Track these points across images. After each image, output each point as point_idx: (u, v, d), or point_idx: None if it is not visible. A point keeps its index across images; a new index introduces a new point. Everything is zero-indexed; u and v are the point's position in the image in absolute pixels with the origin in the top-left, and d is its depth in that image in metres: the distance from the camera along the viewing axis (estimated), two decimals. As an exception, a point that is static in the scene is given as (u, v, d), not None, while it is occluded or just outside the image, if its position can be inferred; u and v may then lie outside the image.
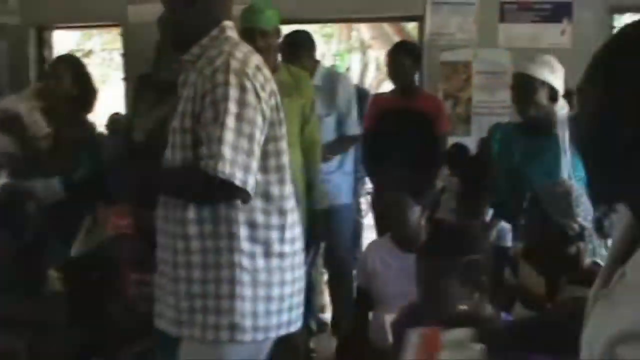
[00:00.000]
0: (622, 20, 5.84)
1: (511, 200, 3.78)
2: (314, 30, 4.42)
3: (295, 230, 2.45)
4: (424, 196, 3.63)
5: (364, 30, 10.30)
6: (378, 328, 3.40)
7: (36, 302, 3.21)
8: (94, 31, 10.81)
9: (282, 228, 2.38)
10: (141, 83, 4.74)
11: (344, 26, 10.93)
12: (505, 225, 4.01)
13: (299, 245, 2.48)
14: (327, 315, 5.01)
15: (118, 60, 10.86)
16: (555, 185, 3.13)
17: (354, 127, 4.49)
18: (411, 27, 7.70)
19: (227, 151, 2.15)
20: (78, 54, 10.19)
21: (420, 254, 2.45)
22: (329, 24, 9.41)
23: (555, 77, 3.64)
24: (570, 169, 3.62)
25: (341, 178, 4.51)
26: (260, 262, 2.33)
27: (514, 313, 2.94)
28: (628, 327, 1.08)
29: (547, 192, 3.04)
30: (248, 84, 2.23)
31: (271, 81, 2.39)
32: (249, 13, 3.87)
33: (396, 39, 8.62)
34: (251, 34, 3.84)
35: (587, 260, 3.00)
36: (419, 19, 5.78)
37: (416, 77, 4.95)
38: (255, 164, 2.22)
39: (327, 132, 4.31)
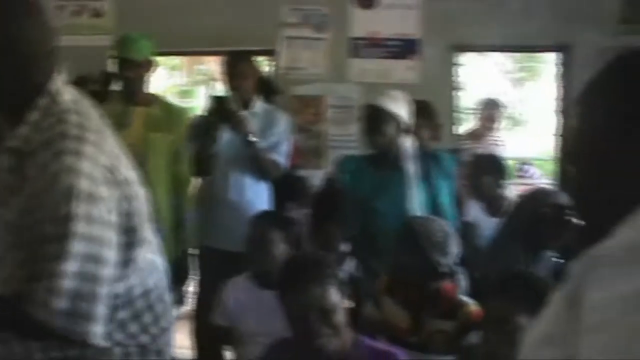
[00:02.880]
0: (464, 58, 6.11)
1: (361, 233, 3.82)
2: (160, 62, 4.32)
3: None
4: (288, 231, 3.58)
5: (212, 64, 10.26)
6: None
7: None
8: None
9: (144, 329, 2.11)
10: None
11: (191, 59, 10.86)
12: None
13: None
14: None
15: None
16: (433, 222, 3.18)
17: (281, 156, 4.29)
18: (260, 60, 7.71)
19: (62, 303, 1.78)
20: None
21: (279, 291, 2.51)
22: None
23: (404, 111, 3.73)
24: (418, 203, 3.70)
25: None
26: None
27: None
28: None
29: (424, 227, 3.08)
30: (98, 211, 1.82)
31: (116, 147, 2.01)
32: (121, 43, 3.81)
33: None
34: (122, 64, 3.78)
35: (459, 297, 3.10)
36: (272, 53, 5.82)
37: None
38: (100, 308, 1.85)
39: None
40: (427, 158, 3.79)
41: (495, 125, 6.30)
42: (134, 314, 2.07)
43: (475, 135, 6.25)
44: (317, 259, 2.61)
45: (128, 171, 2.01)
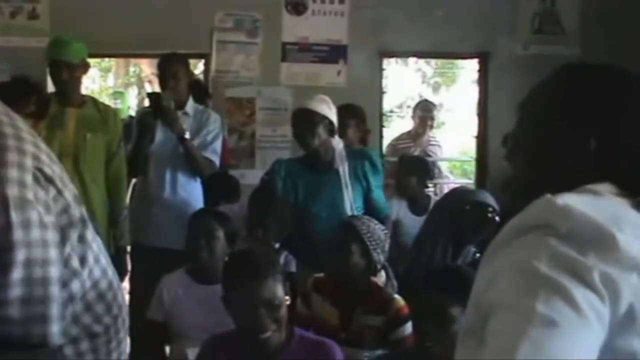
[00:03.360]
0: (389, 63, 6.34)
1: (297, 232, 3.94)
2: (92, 63, 4.36)
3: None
4: (227, 228, 3.68)
5: (144, 66, 10.17)
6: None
7: None
8: None
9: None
10: None
11: (122, 61, 10.71)
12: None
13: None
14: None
15: None
16: (371, 221, 3.32)
17: (213, 155, 4.40)
18: (193, 63, 7.77)
19: (14, 312, 1.78)
20: None
21: (227, 284, 2.57)
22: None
23: (332, 113, 3.87)
24: (352, 203, 3.84)
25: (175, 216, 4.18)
26: None
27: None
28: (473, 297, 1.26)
29: (366, 226, 3.23)
30: (33, 215, 1.83)
31: (38, 147, 1.96)
32: (55, 46, 3.85)
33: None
34: (57, 66, 3.83)
35: (388, 293, 3.25)
36: (205, 56, 5.92)
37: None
38: (54, 308, 1.86)
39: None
40: (357, 156, 3.95)
41: (431, 126, 6.53)
42: (86, 306, 2.12)
43: (411, 136, 6.46)
44: (266, 255, 2.70)
45: (53, 169, 2.01)
